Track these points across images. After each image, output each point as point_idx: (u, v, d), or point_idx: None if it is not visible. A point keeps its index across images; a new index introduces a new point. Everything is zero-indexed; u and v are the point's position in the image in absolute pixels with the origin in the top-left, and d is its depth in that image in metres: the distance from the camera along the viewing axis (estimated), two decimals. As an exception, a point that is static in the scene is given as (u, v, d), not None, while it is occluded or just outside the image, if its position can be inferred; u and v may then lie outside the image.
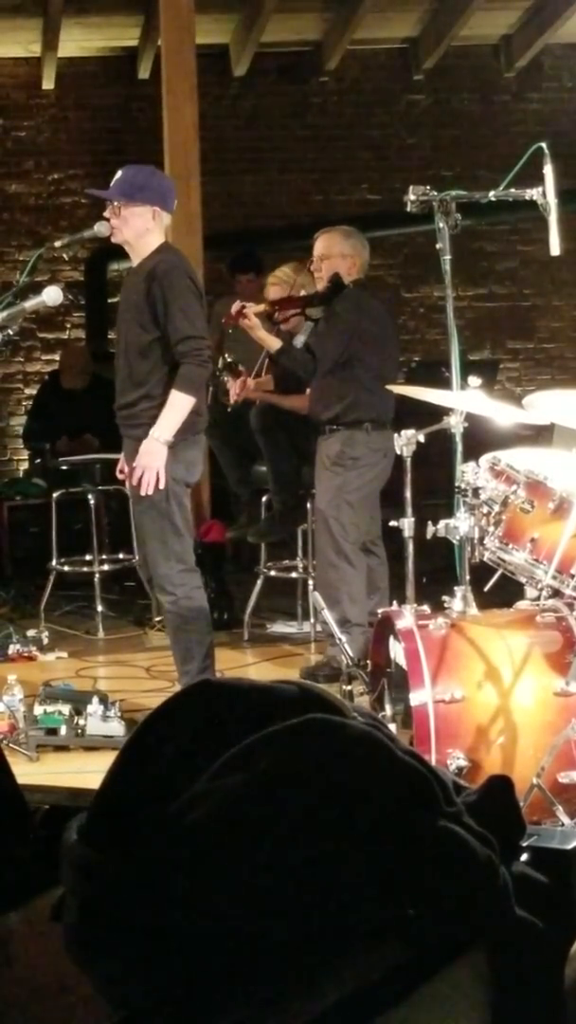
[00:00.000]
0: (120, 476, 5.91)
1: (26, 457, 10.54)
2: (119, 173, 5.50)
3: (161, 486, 5.36)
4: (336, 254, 6.38)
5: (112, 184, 5.48)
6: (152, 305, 5.38)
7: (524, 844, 1.81)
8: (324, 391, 6.30)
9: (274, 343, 6.29)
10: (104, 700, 5.42)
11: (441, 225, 4.53)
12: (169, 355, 5.40)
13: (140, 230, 5.45)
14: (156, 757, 1.66)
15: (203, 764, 1.62)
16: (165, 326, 5.36)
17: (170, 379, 5.40)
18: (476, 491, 4.22)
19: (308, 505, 7.09)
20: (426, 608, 4.29)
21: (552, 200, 4.44)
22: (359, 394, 6.15)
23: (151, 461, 5.36)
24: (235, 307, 6.34)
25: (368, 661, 4.63)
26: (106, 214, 5.45)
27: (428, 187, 4.58)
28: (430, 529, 4.32)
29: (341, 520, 6.19)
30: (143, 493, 5.37)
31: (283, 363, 6.40)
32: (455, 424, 4.43)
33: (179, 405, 5.37)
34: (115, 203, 5.41)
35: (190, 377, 5.38)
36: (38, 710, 5.37)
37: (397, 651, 4.21)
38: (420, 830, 1.60)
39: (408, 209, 4.58)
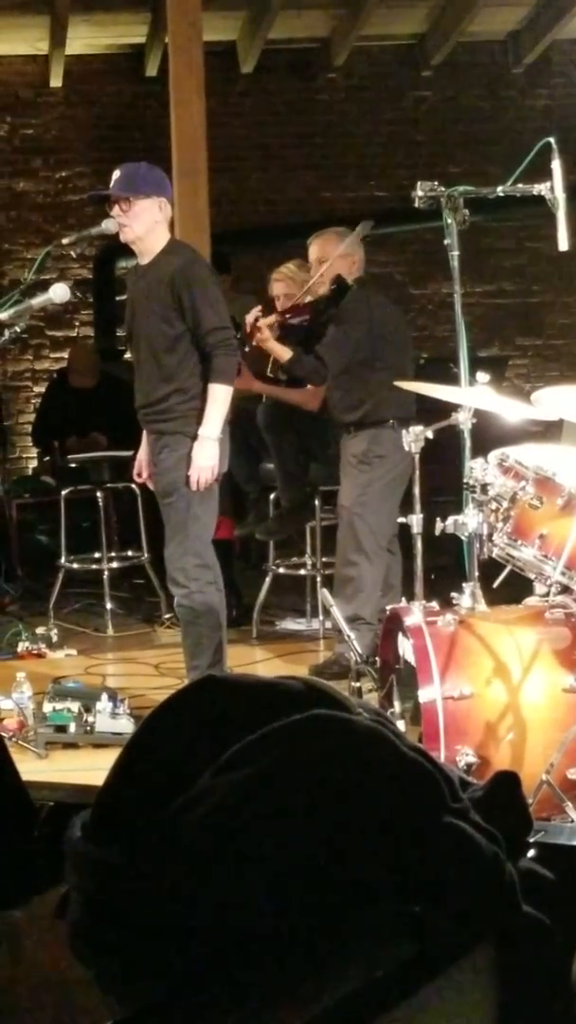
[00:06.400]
0: (138, 479, 5.91)
1: (35, 455, 10.55)
2: (117, 172, 5.50)
3: (212, 479, 5.42)
4: (335, 255, 6.36)
5: (113, 183, 5.48)
6: (177, 299, 5.39)
7: (532, 840, 1.80)
8: (346, 394, 6.27)
9: (285, 353, 6.28)
10: (113, 697, 5.42)
11: (449, 221, 4.52)
12: (195, 347, 5.42)
13: (150, 223, 5.45)
14: (160, 753, 1.66)
15: (208, 760, 1.61)
16: (194, 318, 5.38)
17: (199, 371, 5.43)
18: (485, 487, 4.21)
19: (316, 502, 7.09)
20: (435, 604, 4.28)
21: (560, 195, 4.43)
22: (382, 392, 6.10)
23: (206, 461, 5.41)
24: (249, 319, 6.33)
25: (377, 658, 4.62)
26: (112, 214, 5.44)
27: (436, 183, 4.57)
28: (439, 525, 4.31)
29: (365, 517, 6.16)
30: (194, 489, 5.39)
31: (295, 372, 6.37)
32: (464, 420, 4.42)
33: (221, 398, 5.43)
34: (122, 200, 5.40)
35: (224, 368, 5.43)
36: (47, 707, 5.38)
37: (406, 648, 4.20)
38: (425, 826, 1.59)
39: (416, 205, 4.58)
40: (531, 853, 1.77)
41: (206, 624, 5.53)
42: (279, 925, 1.51)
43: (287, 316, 6.43)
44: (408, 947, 1.56)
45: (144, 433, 5.79)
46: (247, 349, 6.32)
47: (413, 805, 1.59)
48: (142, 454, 5.83)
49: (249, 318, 6.33)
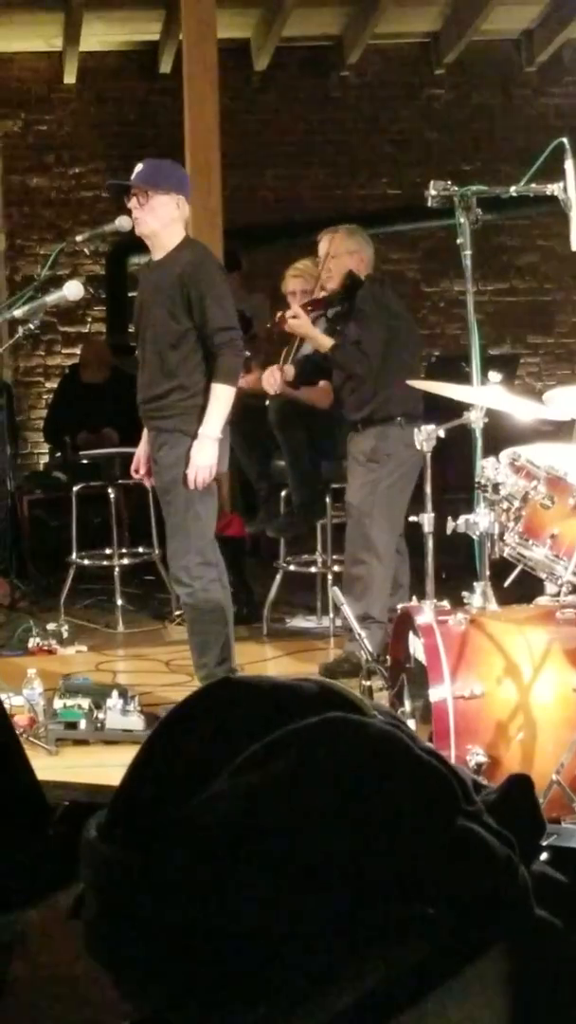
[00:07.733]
0: (135, 475, 5.91)
1: (46, 451, 10.56)
2: (140, 165, 5.52)
3: (209, 478, 5.42)
4: (343, 252, 6.37)
5: (135, 175, 5.49)
6: (185, 296, 5.39)
7: (544, 843, 1.81)
8: (357, 389, 6.26)
9: (327, 341, 6.26)
10: (124, 694, 5.42)
11: (462, 220, 4.52)
12: (200, 345, 5.42)
13: (165, 220, 5.46)
14: (176, 754, 1.66)
15: (223, 762, 1.62)
16: (202, 316, 5.38)
17: (201, 369, 5.43)
18: (496, 487, 4.21)
19: (327, 500, 7.08)
20: (446, 604, 4.28)
21: (573, 195, 4.42)
22: (390, 389, 6.09)
23: (204, 460, 5.39)
24: (279, 315, 6.39)
25: (387, 656, 4.62)
26: (130, 205, 5.45)
27: (449, 182, 4.57)
28: (450, 525, 4.31)
29: (374, 516, 6.14)
30: (191, 488, 5.39)
31: (337, 358, 6.32)
32: (475, 419, 4.42)
33: (224, 398, 5.42)
34: (141, 193, 5.41)
35: (229, 368, 5.42)
36: (58, 704, 5.37)
37: (416, 646, 4.20)
38: (439, 829, 1.59)
39: (429, 204, 4.57)
40: (544, 856, 1.78)
41: (212, 621, 5.53)
42: (294, 927, 1.52)
43: (309, 309, 6.44)
44: (421, 950, 1.56)
45: (144, 429, 5.78)
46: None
47: (427, 808, 1.60)
48: (141, 450, 5.82)
49: (279, 315, 6.41)
